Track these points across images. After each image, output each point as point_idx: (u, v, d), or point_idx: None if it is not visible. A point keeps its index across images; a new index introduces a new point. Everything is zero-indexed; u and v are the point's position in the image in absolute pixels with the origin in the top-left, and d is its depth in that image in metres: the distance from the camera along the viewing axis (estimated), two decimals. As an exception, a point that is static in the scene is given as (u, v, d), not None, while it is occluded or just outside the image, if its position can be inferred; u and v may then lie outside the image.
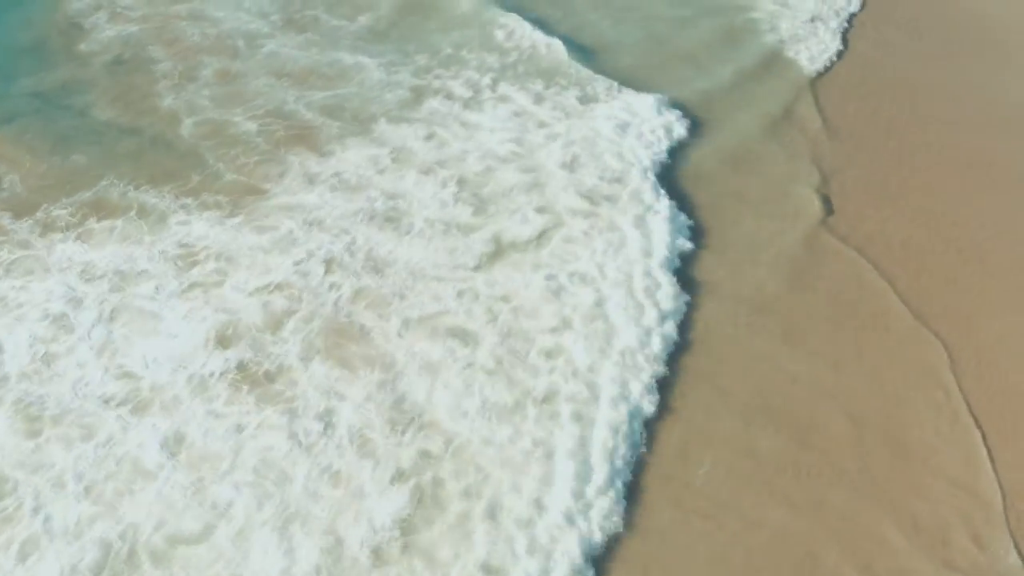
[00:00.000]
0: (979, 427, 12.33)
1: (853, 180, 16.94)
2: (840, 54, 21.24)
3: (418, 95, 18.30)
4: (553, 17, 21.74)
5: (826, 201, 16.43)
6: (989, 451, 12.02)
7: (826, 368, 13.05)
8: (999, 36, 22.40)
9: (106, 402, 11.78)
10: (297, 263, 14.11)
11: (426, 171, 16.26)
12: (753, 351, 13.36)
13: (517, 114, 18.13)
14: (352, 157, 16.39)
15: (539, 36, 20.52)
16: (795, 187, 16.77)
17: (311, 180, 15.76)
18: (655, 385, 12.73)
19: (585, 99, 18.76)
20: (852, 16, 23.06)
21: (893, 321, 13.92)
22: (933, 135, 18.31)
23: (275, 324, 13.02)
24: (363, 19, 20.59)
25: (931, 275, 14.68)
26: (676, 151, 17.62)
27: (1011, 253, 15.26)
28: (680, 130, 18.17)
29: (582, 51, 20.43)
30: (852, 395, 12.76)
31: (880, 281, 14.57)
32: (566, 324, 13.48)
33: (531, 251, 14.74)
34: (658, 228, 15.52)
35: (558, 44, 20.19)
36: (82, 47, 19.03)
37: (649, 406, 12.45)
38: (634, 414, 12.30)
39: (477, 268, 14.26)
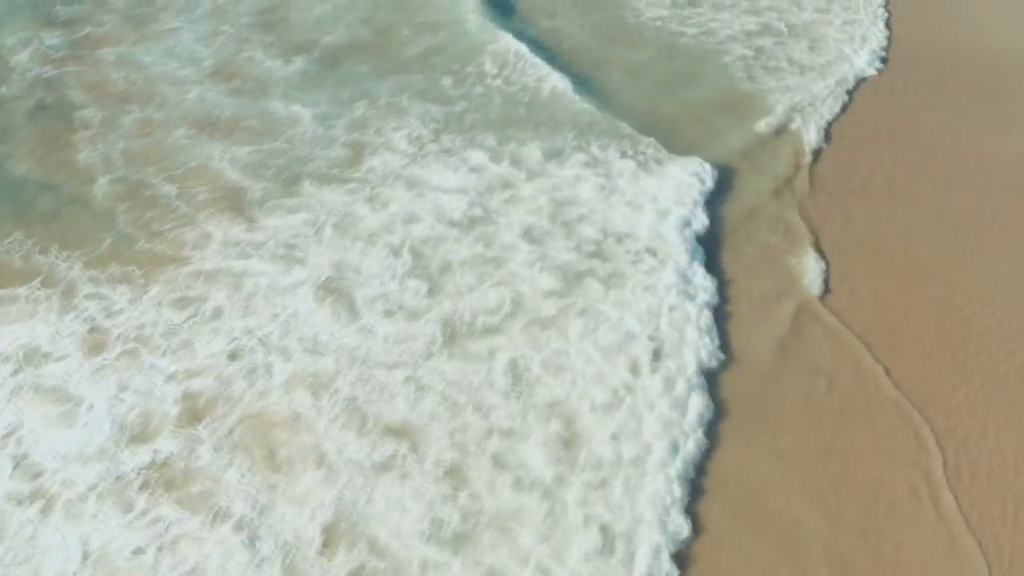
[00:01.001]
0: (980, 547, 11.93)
1: (851, 249, 16.36)
2: (844, 108, 20.41)
3: (357, 150, 17.71)
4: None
5: (822, 272, 15.82)
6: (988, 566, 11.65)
7: (808, 463, 12.58)
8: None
9: (9, 500, 11.22)
10: (221, 343, 13.53)
11: (369, 239, 15.62)
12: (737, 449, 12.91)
13: (474, 170, 17.39)
14: (284, 222, 15.78)
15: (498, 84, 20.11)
16: (788, 258, 16.16)
17: (238, 249, 15.15)
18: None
19: (550, 154, 18.05)
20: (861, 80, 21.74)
21: (883, 409, 13.45)
22: (933, 193, 17.79)
23: (195, 414, 12.46)
24: (299, 61, 20.07)
25: (927, 359, 14.20)
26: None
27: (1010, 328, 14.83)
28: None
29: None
30: (831, 493, 12.29)
31: (873, 365, 14.07)
32: (525, 427, 12.67)
33: (491, 336, 13.98)
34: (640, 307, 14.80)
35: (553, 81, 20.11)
36: (3, 89, 18.57)
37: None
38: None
39: (429, 355, 13.56)
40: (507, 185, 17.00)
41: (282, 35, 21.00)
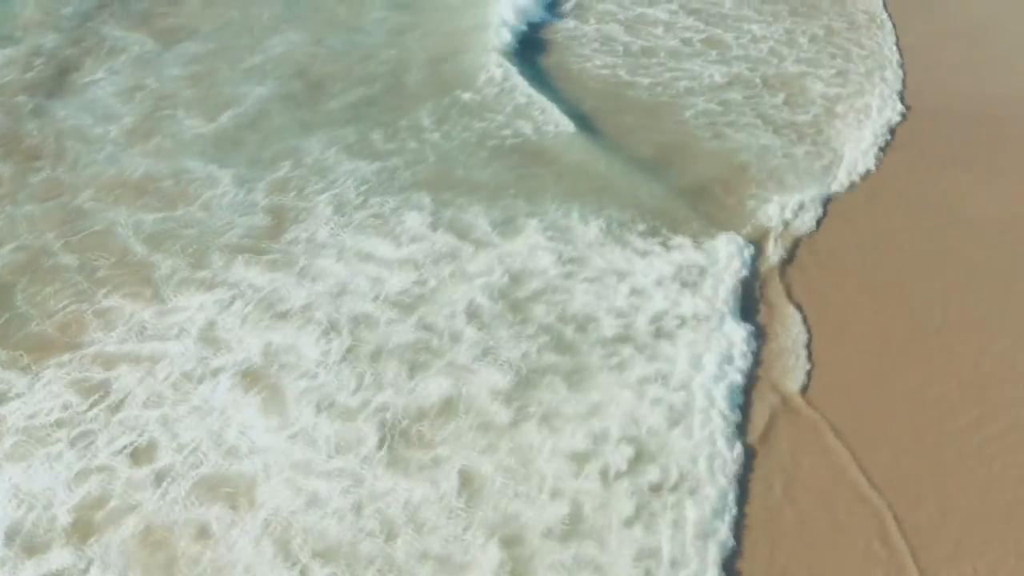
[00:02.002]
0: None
1: (831, 332, 15.53)
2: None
3: (280, 216, 17.20)
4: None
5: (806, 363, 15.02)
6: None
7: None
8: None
9: None
10: (125, 439, 12.97)
11: (295, 320, 14.96)
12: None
13: (413, 238, 16.73)
14: (197, 300, 15.22)
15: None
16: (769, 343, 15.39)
17: (141, 332, 14.64)
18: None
19: (499, 220, 17.30)
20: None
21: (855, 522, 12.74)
22: (917, 265, 16.98)
23: (90, 525, 11.82)
24: (224, 117, 19.65)
25: (899, 460, 13.35)
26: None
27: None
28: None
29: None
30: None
31: (850, 467, 13.29)
32: (468, 556, 11.74)
33: (435, 440, 13.01)
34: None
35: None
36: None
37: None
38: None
39: (364, 462, 12.74)
40: (451, 256, 16.33)
41: (208, 89, 20.70)
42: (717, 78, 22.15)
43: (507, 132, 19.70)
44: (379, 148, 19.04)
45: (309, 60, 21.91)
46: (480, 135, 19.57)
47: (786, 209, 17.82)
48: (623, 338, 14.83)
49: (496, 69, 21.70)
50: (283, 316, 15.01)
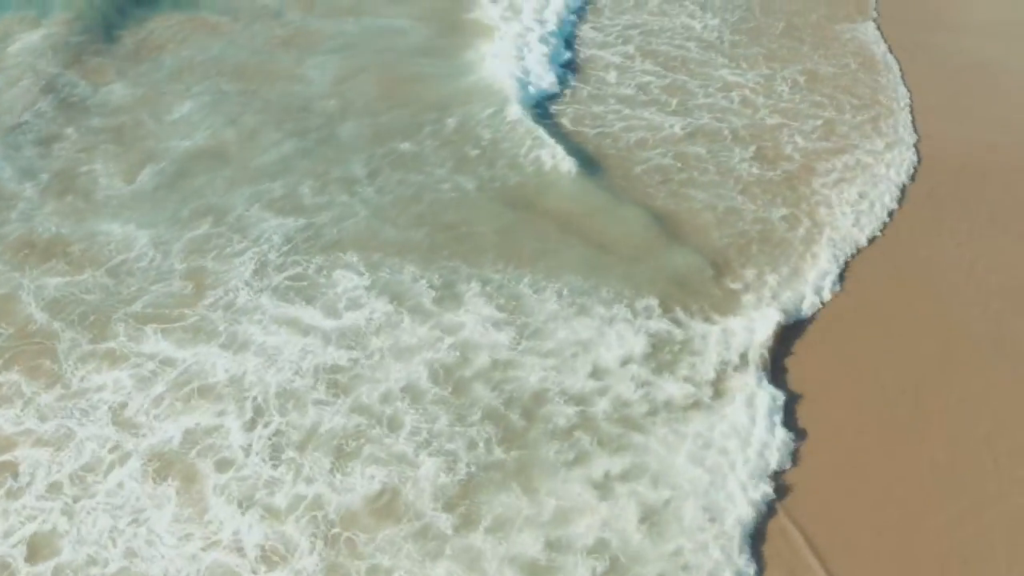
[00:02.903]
0: None
1: (812, 431, 14.72)
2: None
3: (199, 280, 16.81)
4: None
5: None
6: None
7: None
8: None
9: None
10: (20, 534, 12.57)
11: (213, 399, 14.46)
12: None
13: (347, 304, 16.24)
14: (104, 376, 14.82)
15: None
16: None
17: (41, 415, 14.20)
18: None
19: (440, 285, 16.81)
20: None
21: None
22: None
23: None
24: (146, 172, 19.41)
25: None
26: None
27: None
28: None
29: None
30: None
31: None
32: None
33: (372, 549, 12.43)
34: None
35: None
36: None
37: None
38: None
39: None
40: (386, 325, 15.85)
41: (132, 142, 20.58)
42: (677, 129, 21.61)
43: (446, 186, 19.40)
44: (307, 203, 18.76)
45: (241, 109, 21.74)
46: (417, 189, 19.30)
47: (762, 286, 17.09)
48: (585, 427, 14.19)
49: (439, 121, 21.45)
50: (201, 394, 14.59)
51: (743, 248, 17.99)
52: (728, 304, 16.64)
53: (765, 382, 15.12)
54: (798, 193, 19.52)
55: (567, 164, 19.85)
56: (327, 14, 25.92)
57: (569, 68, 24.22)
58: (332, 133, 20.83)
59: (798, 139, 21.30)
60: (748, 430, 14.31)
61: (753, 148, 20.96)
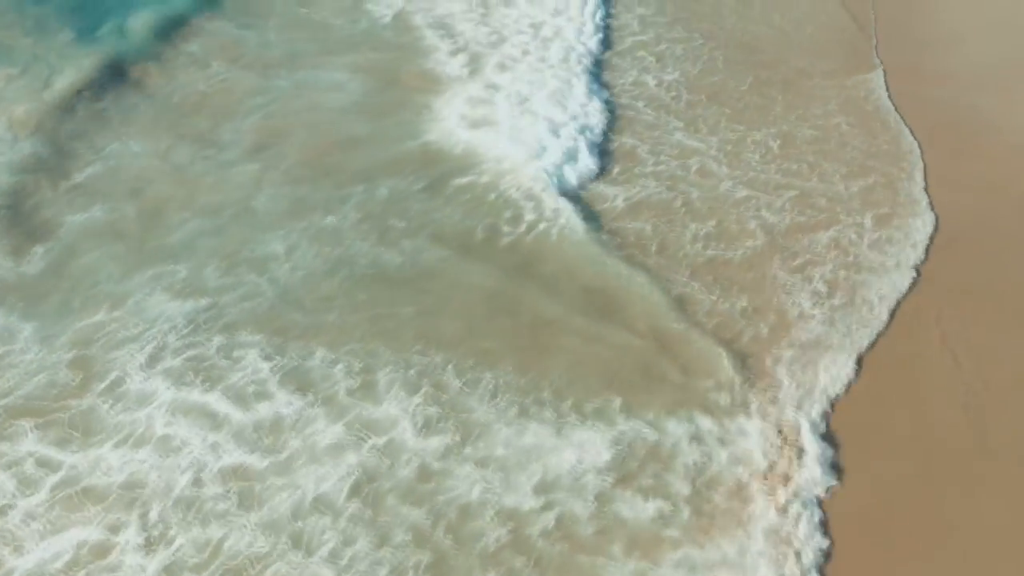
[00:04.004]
0: None
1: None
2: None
3: (87, 372, 16.06)
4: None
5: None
6: None
7: None
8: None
9: None
10: None
11: (98, 509, 13.77)
12: None
13: (251, 397, 15.58)
14: None
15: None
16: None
17: None
18: None
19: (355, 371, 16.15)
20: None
21: None
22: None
23: None
24: (36, 254, 18.65)
25: None
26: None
27: None
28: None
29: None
30: None
31: None
32: None
33: None
34: None
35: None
36: None
37: None
38: None
39: None
40: (300, 421, 15.24)
41: (25, 218, 19.69)
42: (619, 202, 20.72)
43: (364, 262, 18.72)
44: (212, 285, 18.04)
45: (148, 178, 20.86)
46: (334, 265, 18.57)
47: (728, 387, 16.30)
48: (525, 551, 13.59)
49: (367, 192, 20.60)
50: (91, 500, 13.95)
51: (694, 343, 17.17)
52: (700, 404, 15.95)
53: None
54: (763, 279, 18.64)
55: (497, 238, 19.31)
56: (255, 65, 25.19)
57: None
58: (246, 207, 20.06)
59: (765, 213, 20.33)
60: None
61: (712, 223, 19.94)
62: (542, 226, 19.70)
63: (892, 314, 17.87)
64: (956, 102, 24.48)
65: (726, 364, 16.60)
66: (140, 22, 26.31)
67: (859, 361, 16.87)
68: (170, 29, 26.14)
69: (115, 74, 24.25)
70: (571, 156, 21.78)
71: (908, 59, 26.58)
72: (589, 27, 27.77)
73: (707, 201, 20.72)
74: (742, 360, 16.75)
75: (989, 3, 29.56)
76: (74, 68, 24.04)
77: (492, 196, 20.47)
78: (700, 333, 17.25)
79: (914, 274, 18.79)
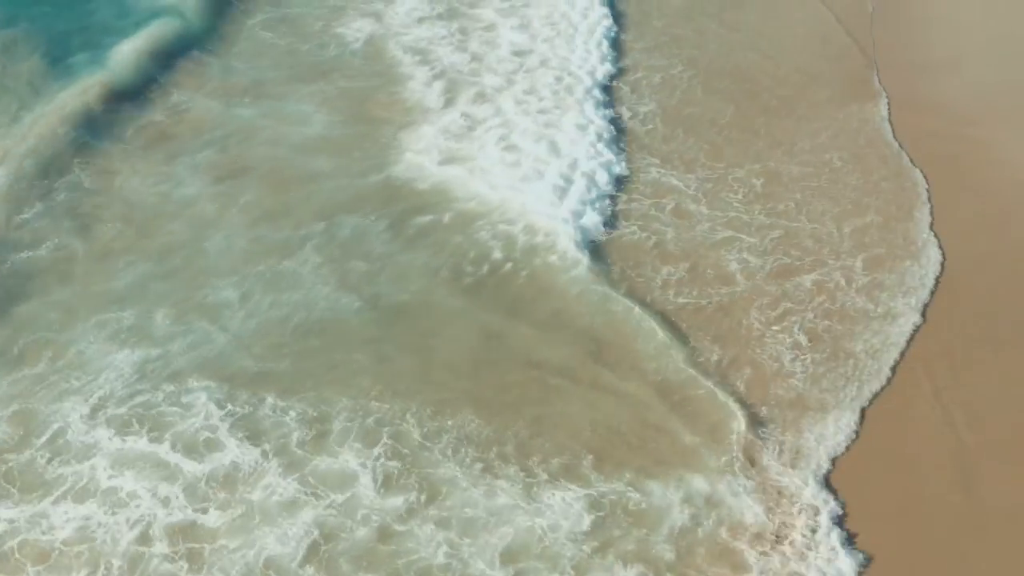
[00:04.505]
0: None
1: None
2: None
3: (26, 424, 15.70)
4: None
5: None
6: None
7: None
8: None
9: None
10: None
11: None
12: None
13: (198, 450, 15.19)
14: None
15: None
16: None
17: None
18: None
19: (308, 419, 15.84)
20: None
21: None
22: None
23: None
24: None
25: None
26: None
27: None
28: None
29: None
30: None
31: None
32: None
33: None
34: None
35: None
36: None
37: None
38: None
39: None
40: (253, 474, 14.93)
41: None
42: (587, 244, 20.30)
43: (322, 304, 18.32)
44: (160, 333, 17.62)
45: (97, 216, 20.39)
46: (290, 311, 18.12)
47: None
48: None
49: (327, 232, 20.13)
50: (22, 562, 13.66)
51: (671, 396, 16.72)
52: (683, 461, 15.51)
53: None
54: (738, 327, 18.12)
55: (461, 279, 18.99)
56: (219, 94, 24.79)
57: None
58: (199, 248, 19.62)
59: (747, 256, 19.75)
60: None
61: (685, 266, 19.47)
62: (508, 267, 19.30)
63: (882, 367, 17.26)
64: (957, 134, 23.56)
65: (707, 421, 16.17)
66: (105, 49, 25.71)
67: (857, 416, 16.36)
68: (136, 55, 25.55)
69: (79, 105, 23.63)
70: (539, 195, 21.28)
71: (905, 86, 25.71)
72: (578, 55, 27.05)
73: (681, 243, 20.18)
74: (726, 417, 16.25)
75: (985, 22, 28.68)
76: (42, 100, 23.69)
77: (457, 237, 20.04)
78: (673, 386, 16.78)
79: (910, 321, 18.22)
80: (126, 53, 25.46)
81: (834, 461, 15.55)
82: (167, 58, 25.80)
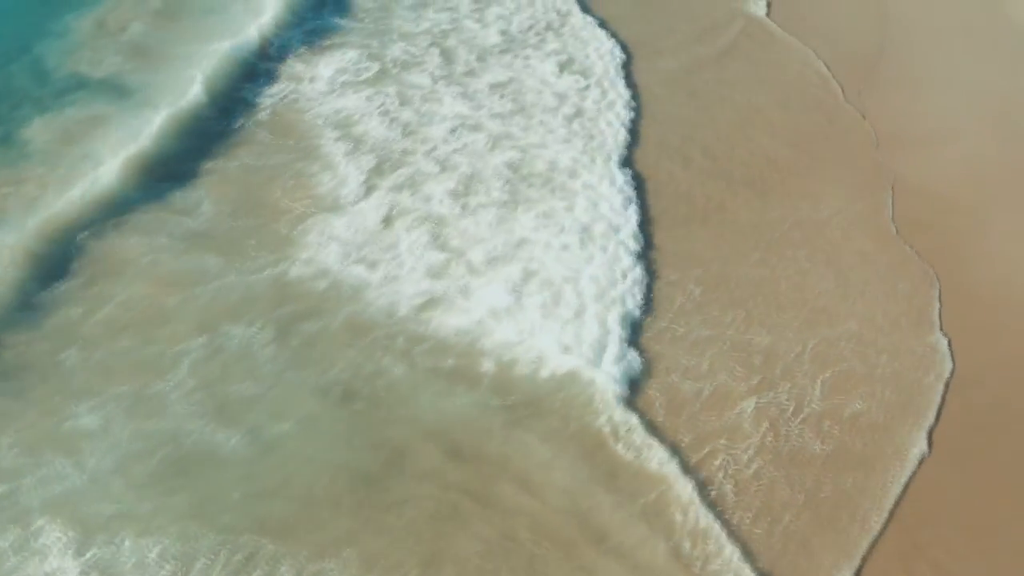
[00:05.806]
0: None
1: None
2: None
3: None
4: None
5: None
6: None
7: None
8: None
9: None
10: None
11: None
12: None
13: None
14: None
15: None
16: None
17: None
18: None
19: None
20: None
21: None
22: None
23: None
24: None
25: None
26: None
27: None
28: None
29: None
30: None
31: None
32: None
33: None
34: None
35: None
36: None
37: None
38: None
39: None
40: None
41: None
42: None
43: (192, 439, 17.26)
44: (3, 467, 16.55)
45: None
46: (156, 443, 17.01)
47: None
48: None
49: (207, 346, 18.97)
50: None
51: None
52: None
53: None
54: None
55: (354, 401, 18.11)
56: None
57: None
58: (55, 364, 18.40)
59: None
60: None
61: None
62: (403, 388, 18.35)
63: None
64: (965, 230, 22.13)
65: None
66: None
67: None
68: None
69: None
70: (448, 305, 20.23)
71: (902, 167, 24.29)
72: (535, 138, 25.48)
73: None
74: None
75: (984, 95, 27.07)
76: None
77: (352, 350, 18.98)
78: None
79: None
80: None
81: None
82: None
